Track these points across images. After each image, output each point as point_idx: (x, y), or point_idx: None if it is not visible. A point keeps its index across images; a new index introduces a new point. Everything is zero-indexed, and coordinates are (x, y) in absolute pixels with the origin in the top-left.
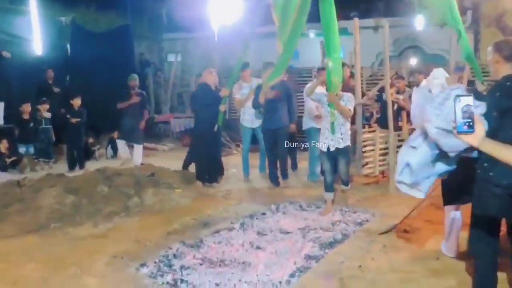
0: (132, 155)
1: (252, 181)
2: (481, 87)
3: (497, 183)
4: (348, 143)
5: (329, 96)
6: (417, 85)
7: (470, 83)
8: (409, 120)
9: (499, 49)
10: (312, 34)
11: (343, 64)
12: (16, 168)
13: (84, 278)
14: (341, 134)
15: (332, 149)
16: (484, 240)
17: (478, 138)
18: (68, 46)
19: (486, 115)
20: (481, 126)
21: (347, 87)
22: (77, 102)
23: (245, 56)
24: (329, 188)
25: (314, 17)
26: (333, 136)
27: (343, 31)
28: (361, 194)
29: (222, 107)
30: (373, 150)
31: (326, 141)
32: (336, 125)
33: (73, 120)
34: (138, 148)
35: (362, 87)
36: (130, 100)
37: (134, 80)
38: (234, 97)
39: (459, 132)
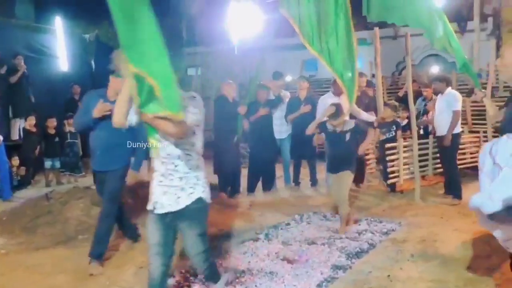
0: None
1: (275, 192)
2: (480, 94)
3: None
4: (199, 194)
5: (142, 115)
6: (442, 92)
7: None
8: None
9: None
10: None
11: (361, 74)
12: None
13: None
14: (180, 178)
15: (162, 211)
16: None
17: None
18: (93, 62)
19: None
20: None
21: (366, 97)
22: None
23: (261, 69)
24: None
25: None
26: (165, 187)
27: (362, 41)
28: (386, 204)
29: (241, 109)
30: (397, 159)
31: (154, 197)
32: (165, 165)
33: None
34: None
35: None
36: None
37: None
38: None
39: None
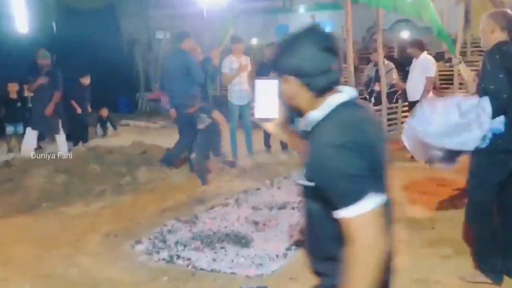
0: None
1: (244, 158)
2: (454, 61)
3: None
4: None
5: None
6: (416, 57)
7: (439, 54)
8: None
9: (497, 19)
10: (302, 9)
11: None
12: None
13: (78, 257)
14: None
15: None
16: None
17: None
18: (54, 24)
19: (490, 77)
20: None
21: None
22: None
23: (227, 32)
24: None
25: None
26: None
27: (334, 6)
28: None
29: None
30: None
31: None
32: None
33: None
34: (59, 138)
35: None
36: (37, 81)
37: (44, 57)
38: (223, 72)
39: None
